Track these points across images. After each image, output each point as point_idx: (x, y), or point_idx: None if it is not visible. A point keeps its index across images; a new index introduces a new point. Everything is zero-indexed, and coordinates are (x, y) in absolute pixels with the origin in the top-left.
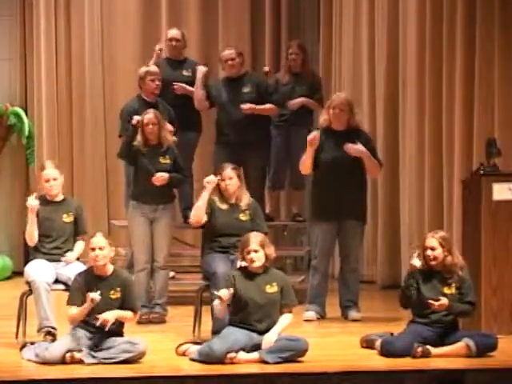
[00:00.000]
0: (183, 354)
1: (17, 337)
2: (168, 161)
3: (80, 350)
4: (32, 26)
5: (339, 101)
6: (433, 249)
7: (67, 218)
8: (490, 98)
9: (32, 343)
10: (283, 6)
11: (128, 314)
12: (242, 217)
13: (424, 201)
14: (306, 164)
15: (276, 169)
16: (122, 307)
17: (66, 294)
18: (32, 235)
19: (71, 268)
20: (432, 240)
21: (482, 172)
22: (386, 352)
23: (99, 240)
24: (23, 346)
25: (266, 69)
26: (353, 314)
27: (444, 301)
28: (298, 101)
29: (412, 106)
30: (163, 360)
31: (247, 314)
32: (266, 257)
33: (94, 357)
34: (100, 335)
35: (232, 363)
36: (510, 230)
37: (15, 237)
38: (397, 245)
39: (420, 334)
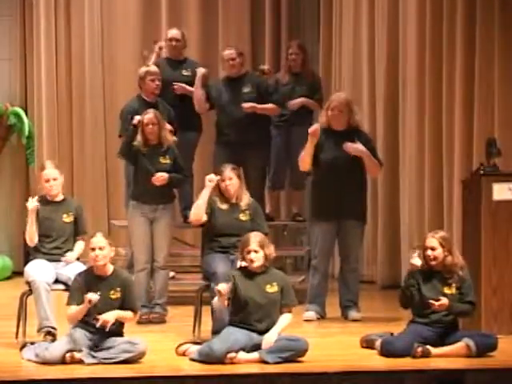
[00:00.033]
0: (183, 354)
1: (17, 337)
2: (168, 161)
3: (80, 350)
4: (32, 25)
5: (338, 102)
6: (433, 249)
7: (67, 218)
8: (490, 98)
9: (32, 343)
10: (283, 5)
11: (128, 314)
12: (242, 217)
13: (424, 201)
14: (305, 159)
15: (276, 169)
16: (122, 307)
17: (66, 294)
18: (32, 236)
19: (71, 268)
20: (432, 240)
21: (482, 172)
22: (386, 352)
23: (99, 240)
24: (23, 346)
25: (264, 67)
26: (353, 314)
27: (444, 301)
28: (297, 101)
29: (412, 106)
30: (163, 360)
31: (247, 314)
32: (266, 257)
33: (94, 357)
34: (100, 335)
35: (232, 363)
36: (510, 230)
37: (15, 237)
38: (397, 245)
39: (420, 334)
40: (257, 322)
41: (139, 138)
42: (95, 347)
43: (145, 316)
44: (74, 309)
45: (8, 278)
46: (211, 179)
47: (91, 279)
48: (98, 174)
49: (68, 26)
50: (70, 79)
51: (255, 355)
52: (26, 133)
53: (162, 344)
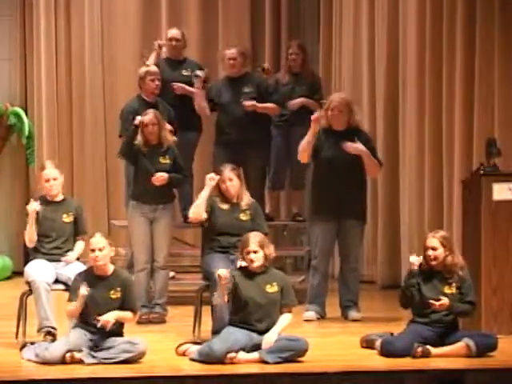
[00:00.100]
0: (183, 354)
1: (17, 337)
2: (168, 161)
3: (80, 350)
4: (32, 26)
5: (337, 102)
6: (434, 249)
7: (67, 218)
8: (490, 98)
9: (32, 343)
10: (283, 5)
11: (128, 314)
12: (243, 216)
13: (424, 201)
14: (304, 148)
15: (276, 169)
16: (121, 307)
17: (66, 294)
18: (31, 237)
19: (71, 268)
20: (433, 240)
21: (482, 172)
22: (386, 352)
23: (99, 241)
24: (23, 346)
25: (265, 65)
26: (353, 314)
27: (445, 301)
28: (297, 101)
29: (412, 106)
30: (163, 360)
31: (247, 314)
32: (266, 257)
33: (94, 357)
34: (100, 335)
35: (232, 363)
36: (510, 230)
37: (15, 237)
38: (397, 245)
39: (420, 334)
40: (257, 321)
41: (139, 137)
42: (95, 347)
43: (145, 316)
44: (73, 304)
45: (8, 278)
46: (212, 178)
47: (91, 279)
48: (98, 174)
49: (68, 26)
50: (70, 79)
51: (255, 355)
52: (26, 133)
53: (161, 344)
